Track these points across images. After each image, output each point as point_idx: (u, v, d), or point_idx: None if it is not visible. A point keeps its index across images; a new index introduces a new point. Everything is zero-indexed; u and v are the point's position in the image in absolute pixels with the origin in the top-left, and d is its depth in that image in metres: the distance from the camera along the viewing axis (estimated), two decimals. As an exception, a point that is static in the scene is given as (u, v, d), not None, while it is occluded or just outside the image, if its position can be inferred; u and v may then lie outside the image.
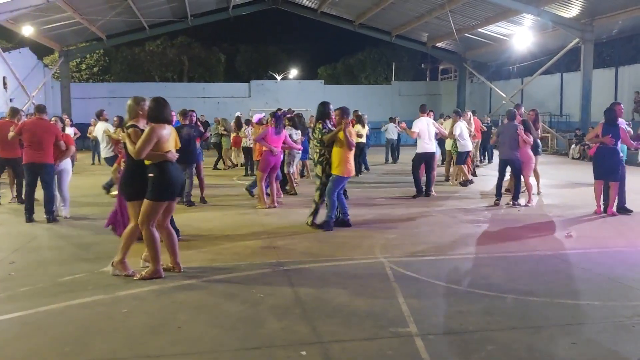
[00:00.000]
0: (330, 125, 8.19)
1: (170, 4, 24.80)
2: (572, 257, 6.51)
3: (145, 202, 5.45)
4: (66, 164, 9.17)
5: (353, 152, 8.19)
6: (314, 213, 8.23)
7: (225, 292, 5.22)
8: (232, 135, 17.33)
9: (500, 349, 3.94)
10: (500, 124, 13.32)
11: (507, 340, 4.09)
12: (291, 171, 11.33)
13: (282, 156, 10.24)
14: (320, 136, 8.05)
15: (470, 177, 13.29)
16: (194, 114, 10.56)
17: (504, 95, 25.70)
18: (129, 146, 5.50)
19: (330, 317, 4.54)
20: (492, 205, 10.05)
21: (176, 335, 4.21)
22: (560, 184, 13.20)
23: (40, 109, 9.09)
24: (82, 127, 21.68)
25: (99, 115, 11.01)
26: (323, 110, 8.24)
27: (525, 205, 9.90)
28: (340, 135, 7.84)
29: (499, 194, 10.22)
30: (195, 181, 10.51)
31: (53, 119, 9.72)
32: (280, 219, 8.90)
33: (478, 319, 4.53)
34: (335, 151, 7.93)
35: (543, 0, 19.77)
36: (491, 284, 5.45)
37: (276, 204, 9.95)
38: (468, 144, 12.89)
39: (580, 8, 19.86)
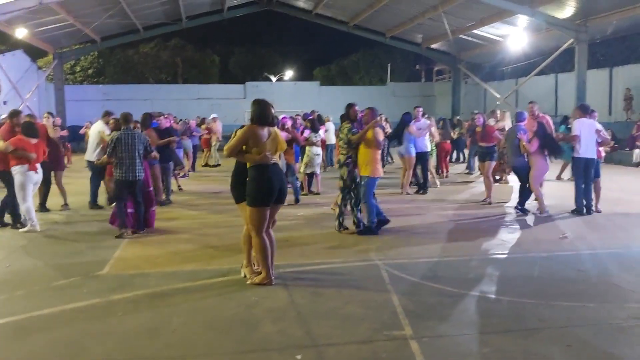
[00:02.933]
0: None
1: (164, 6, 24.73)
2: (567, 258, 6.52)
3: (247, 209, 5.40)
4: (25, 170, 7.97)
5: (380, 152, 8.03)
6: (339, 217, 7.99)
7: (220, 295, 5.22)
8: (204, 136, 17.84)
9: (496, 352, 3.94)
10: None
11: (503, 342, 4.10)
12: (317, 171, 11.69)
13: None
14: (348, 137, 7.85)
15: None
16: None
17: (499, 96, 25.70)
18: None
19: (325, 320, 4.54)
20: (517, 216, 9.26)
21: (171, 339, 4.20)
22: (555, 185, 13.22)
23: None
24: (77, 130, 21.59)
25: (105, 115, 10.15)
26: (349, 112, 8.07)
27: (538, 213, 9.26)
28: (369, 134, 7.69)
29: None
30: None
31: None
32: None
33: (473, 321, 4.54)
34: (363, 152, 7.77)
35: (537, 1, 19.81)
36: (486, 286, 5.47)
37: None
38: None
39: (574, 8, 19.89)
